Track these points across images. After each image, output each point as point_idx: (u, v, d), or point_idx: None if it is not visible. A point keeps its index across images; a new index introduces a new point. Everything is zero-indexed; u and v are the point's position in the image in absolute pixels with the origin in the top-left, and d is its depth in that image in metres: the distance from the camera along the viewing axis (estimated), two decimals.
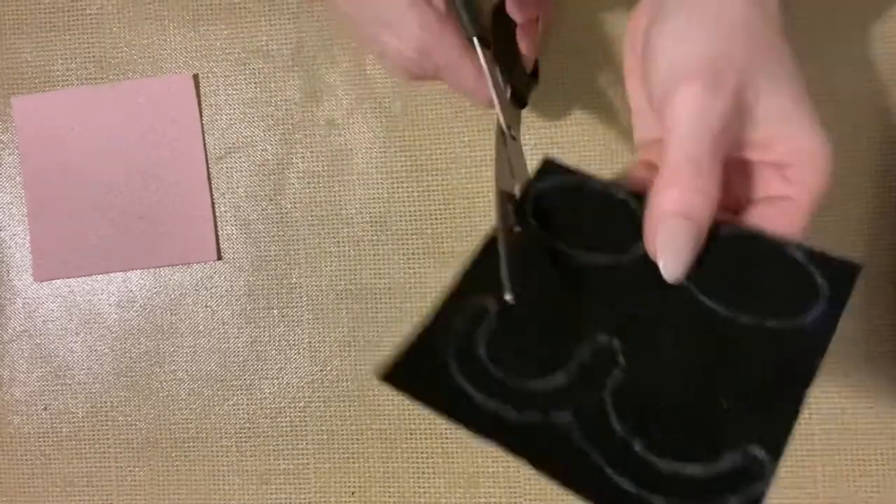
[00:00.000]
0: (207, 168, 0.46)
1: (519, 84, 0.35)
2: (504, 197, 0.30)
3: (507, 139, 0.34)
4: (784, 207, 0.29)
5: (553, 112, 0.43)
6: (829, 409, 0.41)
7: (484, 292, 0.28)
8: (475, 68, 0.34)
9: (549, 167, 0.32)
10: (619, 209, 0.30)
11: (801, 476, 0.41)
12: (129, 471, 0.46)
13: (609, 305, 0.28)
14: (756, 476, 0.24)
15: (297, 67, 0.45)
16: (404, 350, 0.27)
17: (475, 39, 0.33)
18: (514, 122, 0.35)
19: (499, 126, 0.34)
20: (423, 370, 0.27)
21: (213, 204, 0.46)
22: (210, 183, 0.46)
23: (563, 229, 0.30)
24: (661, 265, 0.27)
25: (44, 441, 0.47)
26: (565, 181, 0.31)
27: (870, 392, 0.41)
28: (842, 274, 0.27)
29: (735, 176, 0.30)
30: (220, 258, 0.46)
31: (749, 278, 0.28)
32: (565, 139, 0.43)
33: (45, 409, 0.47)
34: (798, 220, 0.29)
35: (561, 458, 0.25)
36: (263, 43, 0.45)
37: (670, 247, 0.27)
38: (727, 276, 0.28)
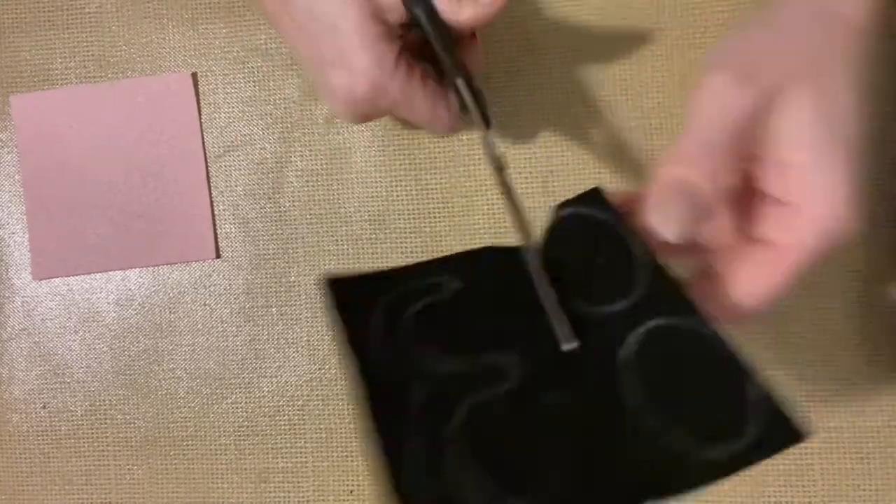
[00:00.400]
0: (206, 166, 0.46)
1: (481, 105, 0.35)
2: (533, 250, 0.30)
3: (502, 170, 0.34)
4: (766, 259, 0.27)
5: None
6: (829, 409, 0.41)
7: (452, 275, 0.29)
8: (430, 99, 0.34)
9: (594, 195, 0.30)
10: (624, 261, 0.28)
11: (801, 476, 0.41)
12: (128, 469, 0.46)
13: (540, 336, 0.27)
14: None
15: (296, 66, 0.45)
16: (357, 273, 0.28)
17: (460, 81, 0.34)
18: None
19: (493, 159, 0.34)
20: (357, 292, 0.28)
21: (211, 202, 0.46)
22: (209, 181, 0.46)
23: (561, 254, 0.30)
24: (652, 224, 0.27)
25: (42, 439, 0.47)
26: (594, 213, 0.30)
27: (869, 392, 0.40)
28: (779, 434, 0.24)
29: (738, 209, 0.28)
30: (218, 256, 0.46)
31: (686, 385, 0.26)
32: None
33: (44, 407, 0.47)
34: (772, 278, 0.26)
35: (384, 432, 0.25)
36: (262, 41, 0.45)
37: (661, 211, 0.27)
38: (664, 368, 0.26)
